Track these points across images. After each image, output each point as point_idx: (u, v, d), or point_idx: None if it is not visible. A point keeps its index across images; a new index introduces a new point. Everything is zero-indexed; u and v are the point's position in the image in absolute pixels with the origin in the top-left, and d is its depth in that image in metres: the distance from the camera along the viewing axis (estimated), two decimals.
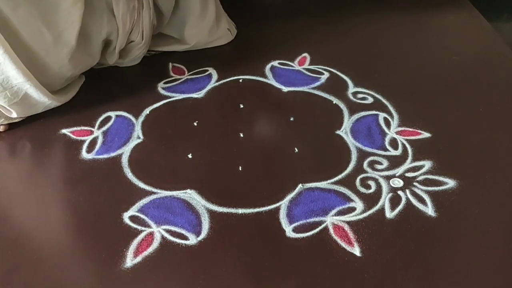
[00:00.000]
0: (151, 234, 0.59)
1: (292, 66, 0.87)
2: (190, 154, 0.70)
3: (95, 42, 0.76)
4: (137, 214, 0.61)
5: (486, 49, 0.90)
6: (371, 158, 0.68)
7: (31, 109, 0.74)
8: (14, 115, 0.73)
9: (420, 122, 0.73)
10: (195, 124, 0.75)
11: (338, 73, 0.85)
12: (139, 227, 0.60)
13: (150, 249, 0.57)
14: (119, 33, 0.77)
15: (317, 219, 0.60)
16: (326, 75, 0.84)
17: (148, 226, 0.60)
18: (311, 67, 0.87)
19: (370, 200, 0.62)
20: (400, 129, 0.73)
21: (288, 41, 0.95)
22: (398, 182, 0.64)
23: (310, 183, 0.65)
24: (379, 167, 0.67)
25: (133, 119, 0.77)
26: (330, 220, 0.60)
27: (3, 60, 0.64)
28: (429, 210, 0.60)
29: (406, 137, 0.71)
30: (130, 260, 0.56)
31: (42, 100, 0.72)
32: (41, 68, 0.70)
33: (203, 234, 0.59)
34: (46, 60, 0.69)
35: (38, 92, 0.70)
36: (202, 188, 0.64)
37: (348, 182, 0.65)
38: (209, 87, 0.83)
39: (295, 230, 0.59)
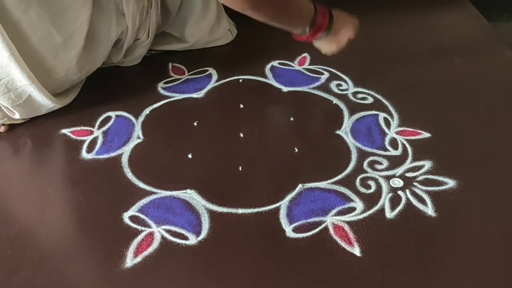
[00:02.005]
0: (151, 234, 0.59)
1: (292, 66, 0.88)
2: (190, 154, 0.70)
3: (104, 44, 0.76)
4: (137, 214, 0.61)
5: (486, 49, 0.90)
6: (371, 158, 0.68)
7: (34, 112, 0.74)
8: (17, 116, 0.73)
9: (420, 122, 0.73)
10: (195, 124, 0.76)
11: (338, 73, 0.85)
12: (139, 227, 0.60)
13: (150, 249, 0.57)
14: (128, 32, 0.77)
15: (317, 219, 0.60)
16: (326, 75, 0.84)
17: (148, 226, 0.60)
18: (311, 67, 0.87)
19: (370, 200, 0.62)
20: (400, 129, 0.73)
21: (288, 41, 0.94)
22: (398, 182, 0.64)
23: (310, 183, 0.65)
24: (379, 167, 0.67)
25: (133, 119, 0.77)
26: (330, 220, 0.60)
27: (9, 63, 0.64)
28: (429, 210, 0.60)
29: (406, 137, 0.71)
30: (130, 260, 0.56)
31: (46, 103, 0.72)
32: (49, 71, 0.70)
33: (203, 234, 0.59)
34: (54, 62, 0.69)
35: (42, 95, 0.70)
36: (202, 188, 0.64)
37: (348, 182, 0.65)
38: (209, 87, 0.83)
39: (295, 230, 0.59)
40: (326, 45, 0.75)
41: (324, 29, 0.71)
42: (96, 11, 0.71)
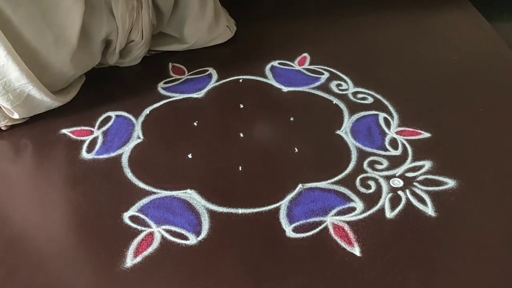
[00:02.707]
0: (151, 234, 0.59)
1: (292, 66, 0.87)
2: (190, 154, 0.70)
3: (95, 42, 0.76)
4: (137, 214, 0.61)
5: (486, 49, 0.90)
6: (371, 158, 0.68)
7: (33, 110, 0.74)
8: (16, 116, 0.73)
9: (420, 122, 0.73)
10: (195, 124, 0.75)
11: (338, 73, 0.85)
12: (139, 227, 0.60)
13: (150, 249, 0.57)
14: (118, 33, 0.78)
15: (317, 219, 0.60)
16: (326, 75, 0.84)
17: (148, 226, 0.60)
18: (311, 67, 0.87)
19: (370, 200, 0.62)
20: (400, 129, 0.73)
21: (288, 41, 0.95)
22: (398, 182, 0.64)
23: (310, 183, 0.65)
24: (379, 167, 0.67)
25: (133, 119, 0.77)
26: (330, 220, 0.60)
27: (6, 62, 0.64)
28: (429, 210, 0.60)
29: (406, 137, 0.71)
30: (130, 260, 0.56)
31: (45, 100, 0.72)
32: (43, 68, 0.70)
33: (203, 234, 0.59)
34: (49, 60, 0.69)
35: (41, 93, 0.70)
36: (202, 188, 0.64)
37: (348, 182, 0.65)
38: (209, 87, 0.83)
39: (295, 230, 0.59)
40: None
41: None
42: (87, 9, 0.71)
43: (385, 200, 0.62)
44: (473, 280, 0.53)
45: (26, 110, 0.72)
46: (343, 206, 0.61)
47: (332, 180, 0.65)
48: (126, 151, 0.71)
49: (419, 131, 0.72)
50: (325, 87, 0.82)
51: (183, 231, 0.59)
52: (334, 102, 0.79)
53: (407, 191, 0.63)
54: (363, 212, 0.61)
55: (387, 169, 0.66)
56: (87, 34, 0.74)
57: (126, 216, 0.61)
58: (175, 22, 0.88)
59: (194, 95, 0.81)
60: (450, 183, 0.64)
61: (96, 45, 0.77)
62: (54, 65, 0.71)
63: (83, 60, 0.76)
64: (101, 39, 0.77)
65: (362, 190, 0.63)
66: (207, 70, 0.87)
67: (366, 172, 0.66)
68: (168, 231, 0.59)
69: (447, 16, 1.01)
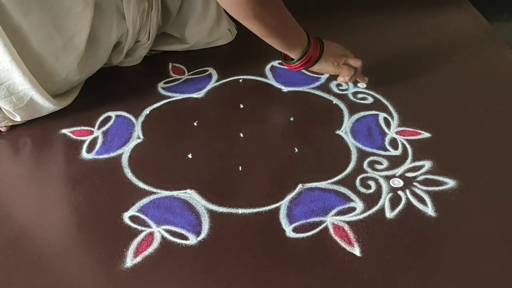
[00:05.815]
0: (151, 234, 0.59)
1: None
2: (190, 154, 0.70)
3: (104, 46, 0.76)
4: (137, 214, 0.61)
5: (486, 49, 0.90)
6: (371, 158, 0.68)
7: (35, 114, 0.74)
8: (18, 118, 0.73)
9: (420, 122, 0.73)
10: (195, 124, 0.76)
11: None
12: (139, 227, 0.60)
13: (150, 249, 0.57)
14: (128, 35, 0.77)
15: (317, 219, 0.60)
16: (326, 75, 0.84)
17: (148, 226, 0.60)
18: None
19: (370, 200, 0.62)
20: (400, 129, 0.73)
21: None
22: (398, 182, 0.64)
23: (310, 183, 0.65)
24: (379, 167, 0.67)
25: (133, 119, 0.77)
26: (330, 220, 0.60)
27: (10, 67, 0.64)
28: (429, 210, 0.60)
29: (406, 137, 0.71)
30: (130, 260, 0.56)
31: (47, 105, 0.72)
32: (49, 73, 0.70)
33: (203, 234, 0.59)
34: (55, 65, 0.69)
35: (43, 99, 0.70)
36: (202, 188, 0.64)
37: (348, 182, 0.65)
38: (209, 87, 0.83)
39: (295, 230, 0.59)
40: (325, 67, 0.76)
41: (314, 59, 0.73)
42: (97, 13, 0.71)
43: (385, 200, 0.62)
44: (473, 280, 0.53)
45: (28, 113, 0.72)
46: (343, 206, 0.61)
47: (332, 180, 0.65)
48: (126, 151, 0.71)
49: (419, 131, 0.72)
50: (325, 87, 0.82)
51: (183, 231, 0.59)
52: (334, 102, 0.79)
53: (407, 191, 0.63)
54: (363, 212, 0.61)
55: (387, 169, 0.66)
56: (96, 38, 0.74)
57: (126, 216, 0.61)
58: (177, 22, 0.88)
59: (194, 95, 0.81)
60: (450, 183, 0.64)
61: (104, 49, 0.77)
62: (60, 71, 0.70)
63: (90, 65, 0.76)
64: (111, 43, 0.76)
65: (362, 190, 0.63)
66: (207, 70, 0.87)
67: (366, 172, 0.66)
68: (168, 231, 0.59)
69: (447, 16, 1.01)
